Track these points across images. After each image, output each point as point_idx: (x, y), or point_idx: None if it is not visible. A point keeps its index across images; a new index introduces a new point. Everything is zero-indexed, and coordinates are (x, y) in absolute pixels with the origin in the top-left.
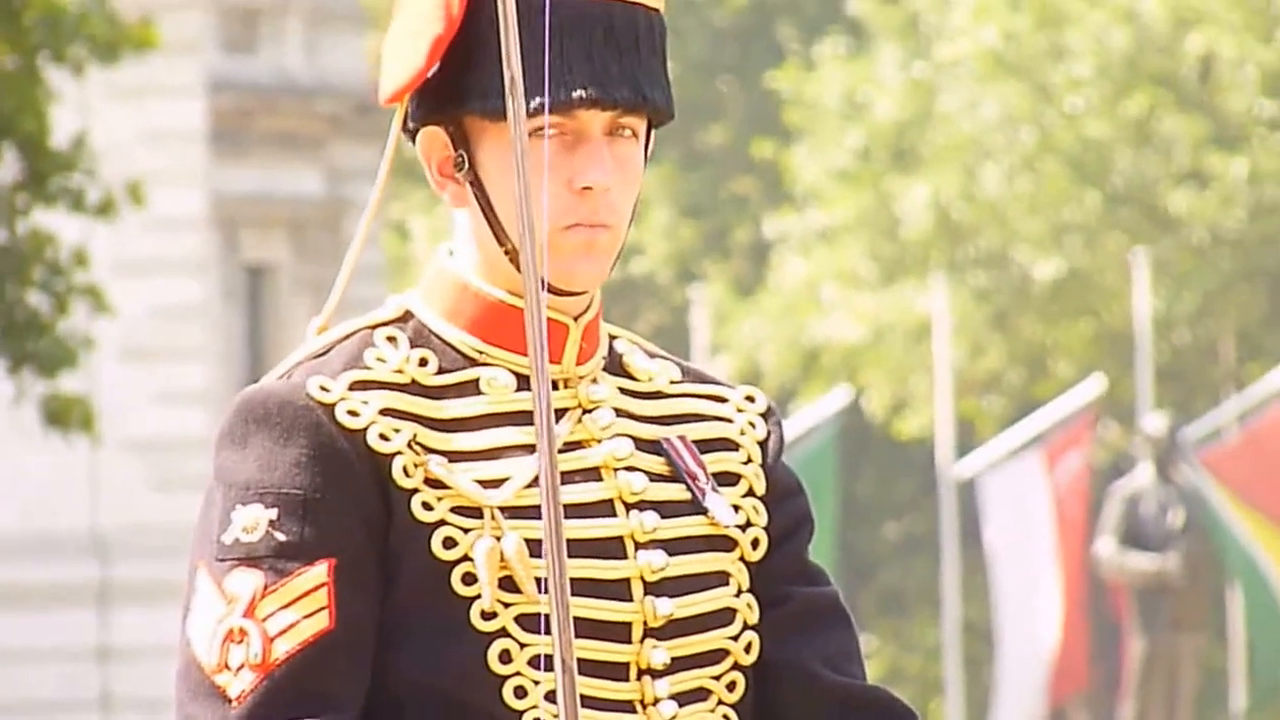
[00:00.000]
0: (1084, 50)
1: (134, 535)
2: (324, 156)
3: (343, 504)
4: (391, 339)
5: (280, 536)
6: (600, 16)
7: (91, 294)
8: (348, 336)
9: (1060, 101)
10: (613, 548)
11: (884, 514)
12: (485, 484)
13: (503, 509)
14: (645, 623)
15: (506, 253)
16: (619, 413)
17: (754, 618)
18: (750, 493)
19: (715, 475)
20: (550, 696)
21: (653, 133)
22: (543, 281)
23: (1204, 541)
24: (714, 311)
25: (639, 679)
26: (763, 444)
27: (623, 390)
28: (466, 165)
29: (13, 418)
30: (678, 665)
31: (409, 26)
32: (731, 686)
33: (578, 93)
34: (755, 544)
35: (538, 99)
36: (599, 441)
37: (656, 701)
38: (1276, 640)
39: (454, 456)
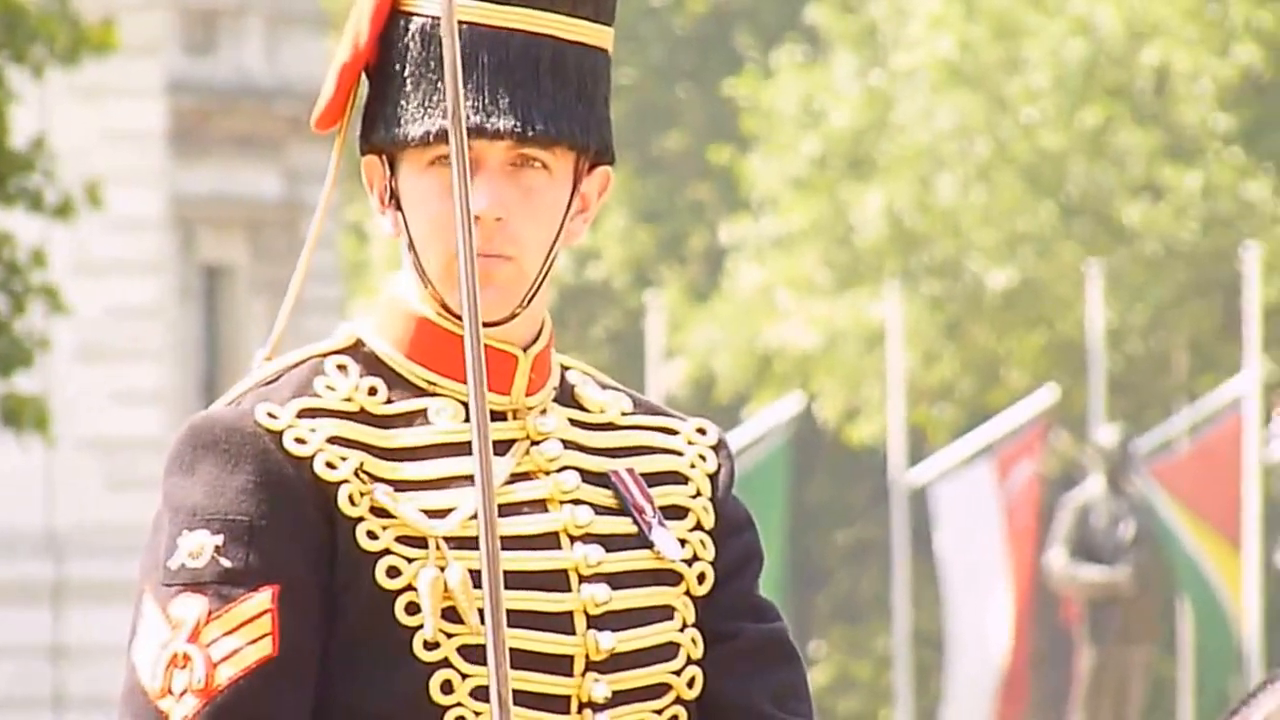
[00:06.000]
0: (1040, 61)
1: (89, 534)
2: (282, 158)
3: (288, 531)
4: (342, 367)
5: (225, 562)
6: (495, 47)
7: (49, 294)
8: (298, 364)
9: (1016, 112)
10: (556, 580)
11: (835, 520)
12: (431, 514)
13: (447, 539)
14: (587, 656)
15: (425, 283)
16: (568, 444)
17: (698, 653)
18: (698, 526)
19: (663, 508)
20: None
21: (599, 170)
22: (446, 308)
23: (1154, 553)
24: (669, 317)
25: (580, 712)
26: (713, 477)
27: (573, 422)
28: (390, 194)
29: None
30: (619, 699)
31: (338, 52)
32: None
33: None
34: (701, 578)
35: (422, 128)
36: (546, 473)
37: None
38: (1224, 652)
39: (400, 486)
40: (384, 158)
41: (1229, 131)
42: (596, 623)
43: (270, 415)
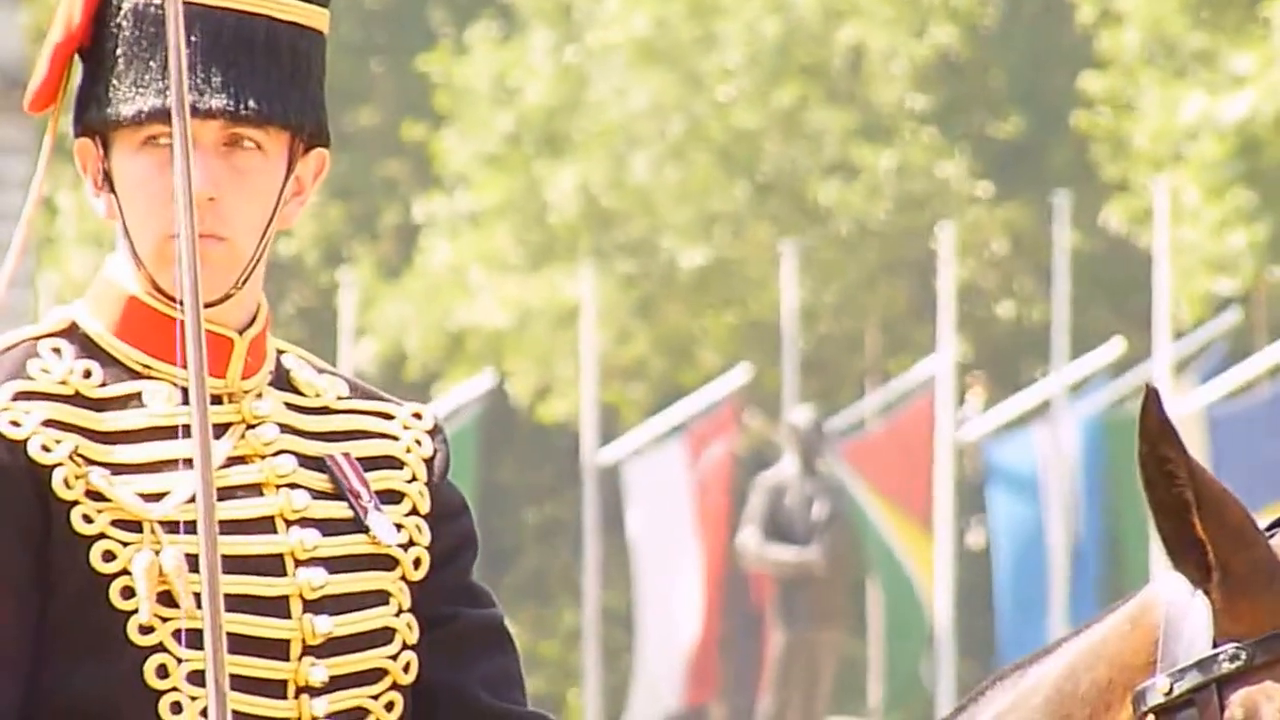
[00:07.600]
0: (735, 40)
1: None
2: None
3: (2, 515)
4: (56, 350)
5: None
6: (208, 25)
7: None
8: (11, 347)
9: (710, 91)
10: (272, 565)
11: (526, 499)
12: (147, 497)
13: (163, 523)
14: (304, 640)
15: (138, 265)
16: (284, 429)
17: (414, 638)
18: (414, 511)
19: (379, 493)
20: (206, 713)
21: (314, 152)
22: (158, 289)
23: (846, 534)
24: (360, 294)
25: (297, 697)
26: (429, 462)
27: (289, 406)
28: (104, 176)
29: None
30: (336, 684)
31: (50, 33)
32: (390, 706)
33: (165, 101)
34: (417, 563)
35: (135, 107)
36: (262, 457)
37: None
38: (914, 634)
39: (116, 469)
40: (97, 140)
41: (924, 112)
42: (313, 607)
43: None
